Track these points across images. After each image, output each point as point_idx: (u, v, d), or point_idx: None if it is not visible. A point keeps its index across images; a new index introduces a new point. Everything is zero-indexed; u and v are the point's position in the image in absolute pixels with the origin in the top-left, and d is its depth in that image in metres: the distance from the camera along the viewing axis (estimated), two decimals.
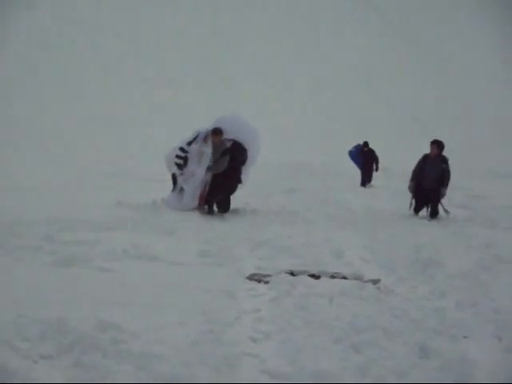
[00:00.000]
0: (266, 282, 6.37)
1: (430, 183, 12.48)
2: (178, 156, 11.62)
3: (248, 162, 12.02)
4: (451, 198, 14.14)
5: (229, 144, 11.65)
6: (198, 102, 42.89)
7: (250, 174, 12.44)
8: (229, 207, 11.77)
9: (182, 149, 11.66)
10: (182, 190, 11.56)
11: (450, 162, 12.65)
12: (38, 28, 48.97)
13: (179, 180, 11.64)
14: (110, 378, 3.61)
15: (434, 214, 12.41)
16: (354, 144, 23.23)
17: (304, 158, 29.94)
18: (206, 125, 12.04)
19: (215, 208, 11.64)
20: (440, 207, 12.52)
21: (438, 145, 12.62)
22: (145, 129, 36.68)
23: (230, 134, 11.74)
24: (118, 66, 49.27)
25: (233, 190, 11.86)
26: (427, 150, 12.91)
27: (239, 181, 11.91)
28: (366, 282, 6.43)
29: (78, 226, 9.03)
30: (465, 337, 4.87)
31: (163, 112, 42.16)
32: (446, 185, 12.46)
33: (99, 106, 41.12)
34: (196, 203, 11.39)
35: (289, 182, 19.92)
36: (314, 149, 34.97)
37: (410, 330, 4.92)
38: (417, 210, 12.61)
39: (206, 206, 11.47)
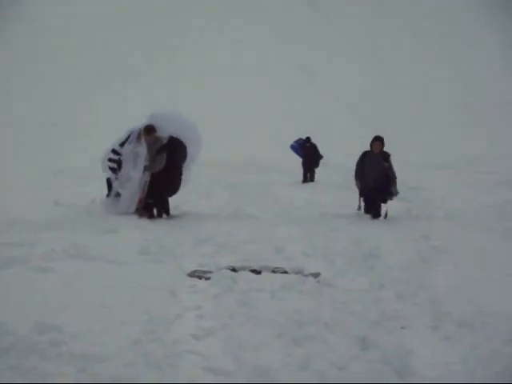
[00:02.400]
0: (208, 279, 6.36)
1: (371, 182, 11.70)
2: (111, 159, 10.91)
3: (188, 159, 11.34)
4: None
5: (165, 140, 10.96)
6: (145, 99, 42.21)
7: (192, 172, 11.75)
8: (168, 209, 11.09)
9: (114, 151, 10.91)
10: (117, 194, 10.85)
11: (391, 158, 11.86)
12: None
13: (114, 184, 10.91)
14: (49, 381, 3.55)
15: (376, 215, 11.69)
16: (296, 138, 23.27)
17: (249, 155, 29.93)
18: (141, 122, 11.23)
19: (155, 211, 10.98)
20: (383, 208, 11.77)
21: (381, 141, 11.87)
22: (87, 129, 36.11)
23: (166, 131, 11.02)
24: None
25: (175, 190, 11.15)
26: (366, 142, 12.16)
27: (180, 180, 11.17)
28: (307, 275, 6.48)
29: (16, 226, 8.86)
30: (403, 327, 4.99)
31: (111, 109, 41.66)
32: (394, 184, 11.66)
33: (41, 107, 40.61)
34: (134, 208, 10.70)
35: (231, 178, 19.93)
36: (258, 145, 34.99)
37: (351, 322, 5.00)
38: (367, 210, 11.84)
39: (144, 211, 10.74)
